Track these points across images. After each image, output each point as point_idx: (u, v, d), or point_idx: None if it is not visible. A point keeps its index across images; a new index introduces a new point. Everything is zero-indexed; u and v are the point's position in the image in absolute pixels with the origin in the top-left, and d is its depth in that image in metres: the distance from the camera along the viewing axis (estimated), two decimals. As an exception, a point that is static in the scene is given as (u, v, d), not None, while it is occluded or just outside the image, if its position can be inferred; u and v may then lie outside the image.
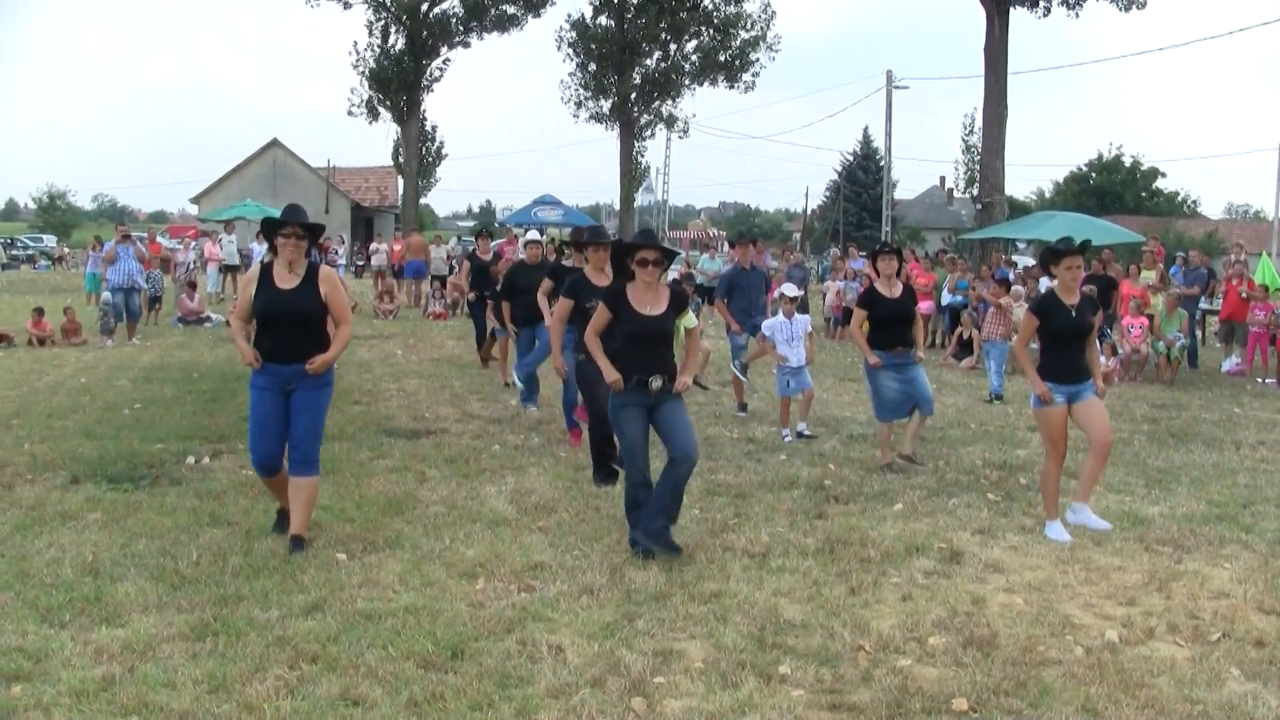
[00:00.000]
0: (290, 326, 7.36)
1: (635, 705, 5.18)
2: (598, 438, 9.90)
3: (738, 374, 13.74)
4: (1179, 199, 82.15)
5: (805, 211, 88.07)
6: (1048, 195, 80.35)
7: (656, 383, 7.57)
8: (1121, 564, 7.71)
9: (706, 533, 8.22)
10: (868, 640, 6.13)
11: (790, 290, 12.56)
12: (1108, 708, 5.32)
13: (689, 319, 7.95)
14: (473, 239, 61.04)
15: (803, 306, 13.31)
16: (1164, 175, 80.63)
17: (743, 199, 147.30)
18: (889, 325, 10.71)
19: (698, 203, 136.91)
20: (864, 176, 79.04)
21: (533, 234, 14.33)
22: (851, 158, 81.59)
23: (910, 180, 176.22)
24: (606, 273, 9.72)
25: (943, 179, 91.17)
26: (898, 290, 10.80)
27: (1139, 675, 5.71)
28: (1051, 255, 8.81)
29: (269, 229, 7.51)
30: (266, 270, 7.49)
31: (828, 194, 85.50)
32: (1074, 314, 8.57)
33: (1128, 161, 79.52)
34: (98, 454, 10.23)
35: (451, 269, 32.65)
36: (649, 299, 7.72)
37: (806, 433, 12.23)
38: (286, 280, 7.40)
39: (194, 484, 9.21)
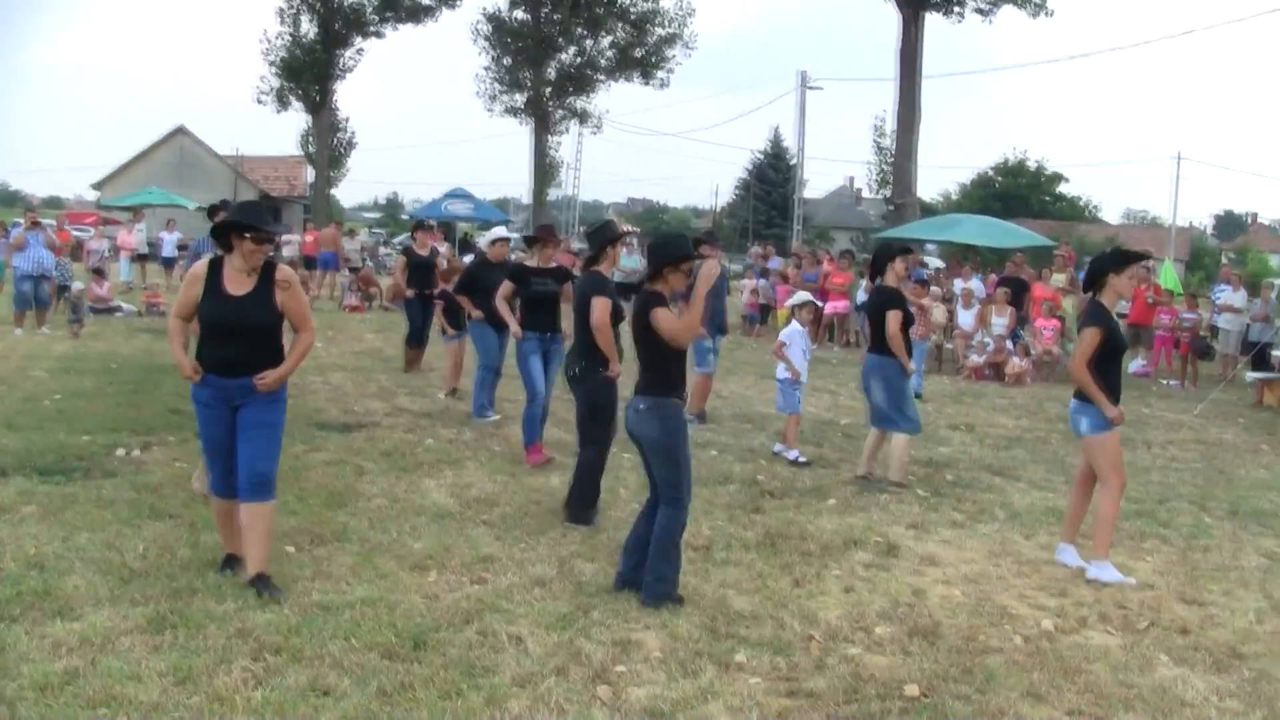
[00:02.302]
0: (237, 338, 6.46)
1: (601, 693, 5.31)
2: (588, 485, 8.60)
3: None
4: (1081, 203, 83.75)
5: (714, 209, 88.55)
6: (954, 197, 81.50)
7: None
8: (1050, 557, 7.99)
9: (649, 526, 8.34)
10: (817, 630, 6.32)
11: (805, 296, 12.03)
12: (1050, 693, 5.56)
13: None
14: (382, 231, 59.90)
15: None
16: (1066, 180, 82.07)
17: (650, 195, 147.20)
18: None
19: (605, 198, 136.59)
20: (773, 175, 79.51)
21: (499, 231, 13.92)
22: (762, 156, 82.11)
23: (819, 180, 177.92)
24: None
25: (851, 179, 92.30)
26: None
27: (1076, 662, 5.99)
28: (1119, 258, 7.94)
29: (231, 228, 6.47)
30: (215, 269, 6.52)
31: (737, 192, 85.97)
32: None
33: (1032, 166, 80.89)
34: (23, 446, 10.04)
35: (364, 261, 32.42)
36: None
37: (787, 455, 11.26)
38: (239, 284, 6.48)
39: (128, 476, 9.10)
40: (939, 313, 19.86)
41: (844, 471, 10.63)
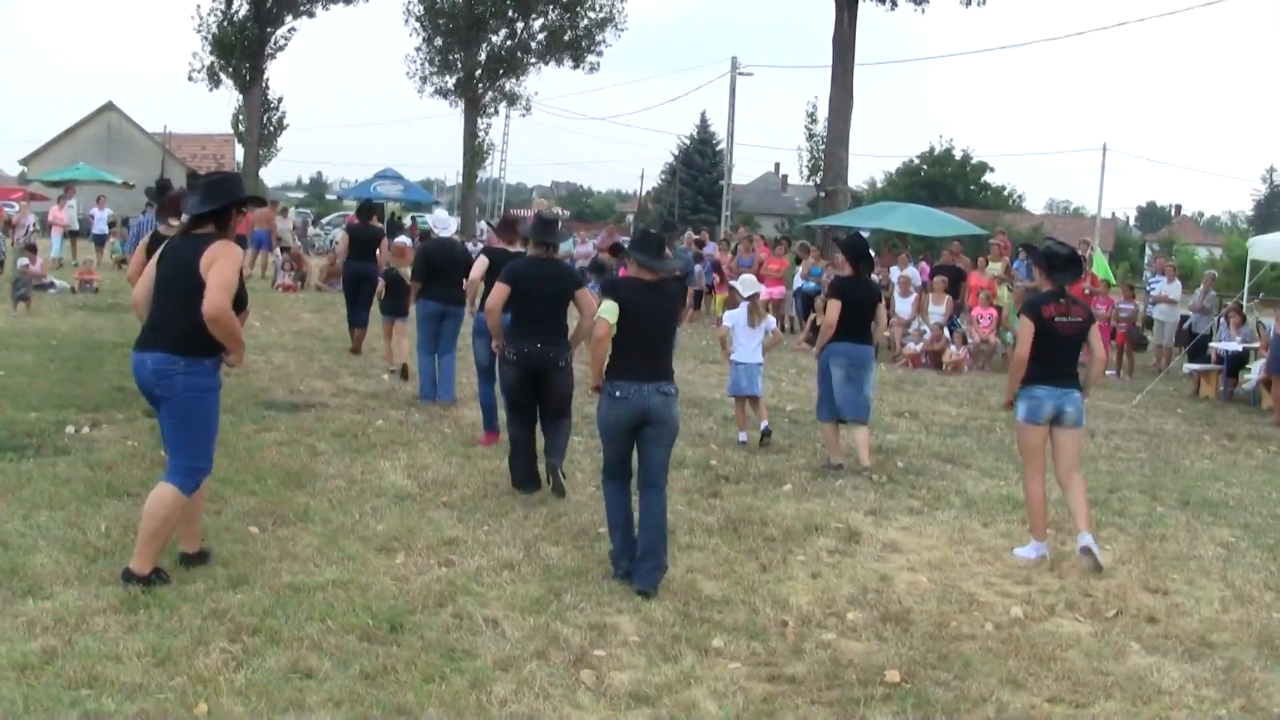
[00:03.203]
0: None
1: (584, 677, 5.31)
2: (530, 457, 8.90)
3: None
4: (1006, 193, 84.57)
5: (639, 193, 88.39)
6: (880, 185, 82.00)
7: None
8: (1011, 545, 8.08)
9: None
10: (790, 615, 6.37)
11: (755, 285, 11.70)
12: (1028, 680, 5.64)
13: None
14: (309, 210, 58.94)
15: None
16: (992, 170, 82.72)
17: (575, 179, 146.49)
18: None
19: (529, 181, 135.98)
20: (700, 161, 79.55)
21: (442, 214, 13.44)
22: (689, 141, 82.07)
23: (745, 166, 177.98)
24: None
25: (777, 165, 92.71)
26: None
27: (1050, 649, 6.07)
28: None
29: (238, 205, 6.29)
30: None
31: (664, 177, 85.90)
32: None
33: (958, 155, 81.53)
34: (-32, 422, 9.85)
35: (295, 240, 31.96)
36: None
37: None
38: None
39: (81, 454, 8.92)
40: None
41: (795, 457, 10.68)
